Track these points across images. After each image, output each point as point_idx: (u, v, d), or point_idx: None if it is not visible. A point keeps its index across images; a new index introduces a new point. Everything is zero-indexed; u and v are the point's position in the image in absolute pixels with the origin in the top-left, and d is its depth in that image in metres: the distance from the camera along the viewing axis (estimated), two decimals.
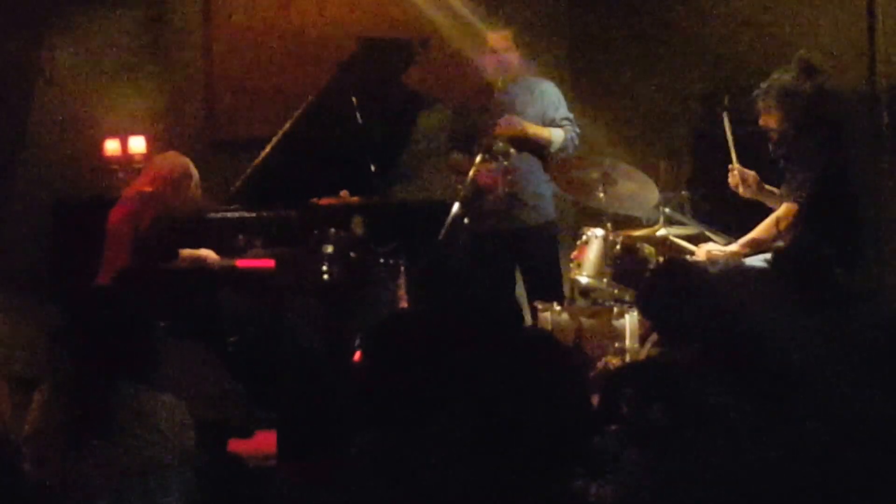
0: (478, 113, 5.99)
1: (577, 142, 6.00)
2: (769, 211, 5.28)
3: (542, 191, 5.99)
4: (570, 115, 6.04)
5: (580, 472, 2.96)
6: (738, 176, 5.32)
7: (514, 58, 5.96)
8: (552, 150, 5.93)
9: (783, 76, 5.11)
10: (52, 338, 5.67)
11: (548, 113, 5.99)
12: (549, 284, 5.88)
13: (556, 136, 5.93)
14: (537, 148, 5.92)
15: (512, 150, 5.76)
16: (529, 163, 5.92)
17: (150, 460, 3.12)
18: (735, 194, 5.42)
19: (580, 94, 6.16)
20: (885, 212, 6.27)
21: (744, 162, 5.37)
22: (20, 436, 3.36)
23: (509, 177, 5.80)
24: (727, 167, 5.38)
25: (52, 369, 4.07)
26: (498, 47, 5.93)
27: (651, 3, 7.09)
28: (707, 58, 6.90)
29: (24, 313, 6.10)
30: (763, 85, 5.15)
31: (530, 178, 5.92)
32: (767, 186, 5.35)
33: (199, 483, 3.24)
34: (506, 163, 5.76)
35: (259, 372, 4.78)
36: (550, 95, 6.05)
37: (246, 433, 4.00)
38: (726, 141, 5.34)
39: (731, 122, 5.35)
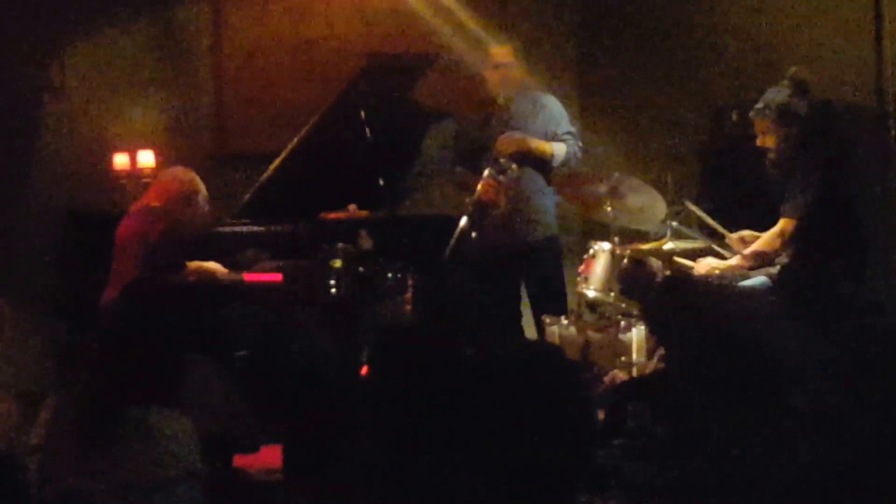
0: (481, 128, 5.99)
1: (579, 156, 5.98)
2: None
3: (545, 206, 5.98)
4: (573, 129, 6.02)
5: (585, 486, 2.96)
6: (738, 240, 5.29)
7: (516, 72, 5.95)
8: (554, 164, 5.92)
9: (777, 95, 5.07)
10: (62, 352, 5.70)
11: (550, 127, 5.97)
12: (554, 298, 5.87)
13: (559, 150, 5.91)
14: (540, 163, 5.91)
15: (514, 166, 5.76)
16: (532, 178, 5.90)
17: (155, 475, 3.12)
18: (743, 208, 5.42)
19: (588, 108, 6.18)
20: (893, 226, 6.25)
21: (749, 179, 5.37)
22: (27, 449, 3.37)
23: (511, 192, 5.79)
24: (734, 183, 5.37)
25: (59, 384, 4.08)
26: (499, 61, 5.92)
27: (660, 16, 7.10)
28: (715, 72, 6.90)
29: (32, 327, 6.12)
30: (758, 105, 5.09)
31: (533, 194, 5.91)
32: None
33: (204, 498, 3.25)
34: (507, 178, 5.76)
35: (266, 386, 4.79)
36: (553, 110, 6.03)
37: (252, 448, 4.01)
38: (705, 184, 5.36)
39: (697, 206, 5.38)
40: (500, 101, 5.91)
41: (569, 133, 5.99)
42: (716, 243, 5.49)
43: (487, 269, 5.70)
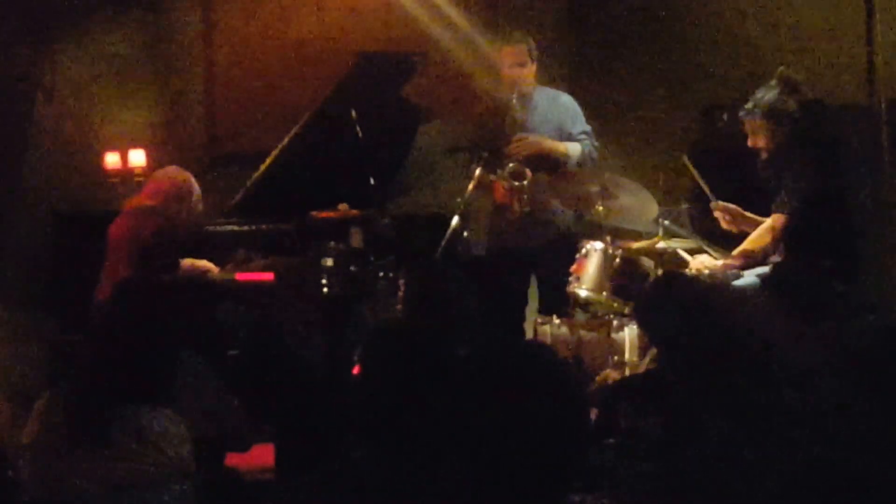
0: (494, 128, 5.90)
1: (595, 155, 5.92)
2: None
3: (558, 206, 5.89)
4: (588, 129, 5.94)
5: (577, 486, 2.95)
6: (722, 210, 5.29)
7: (529, 71, 5.88)
8: (569, 164, 5.85)
9: (766, 95, 5.02)
10: (53, 351, 5.69)
11: (565, 126, 5.91)
12: (563, 298, 5.77)
13: (573, 150, 5.85)
14: (554, 164, 5.84)
15: (527, 170, 5.72)
16: (545, 179, 5.81)
17: (146, 474, 3.12)
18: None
19: (580, 107, 6.16)
20: (886, 225, 6.26)
21: (740, 179, 5.36)
22: (18, 448, 3.36)
23: (524, 195, 5.75)
24: (726, 182, 5.36)
25: (51, 383, 4.06)
26: (513, 61, 5.85)
27: (652, 17, 7.10)
28: (707, 72, 6.92)
29: (23, 327, 6.10)
30: (747, 105, 5.05)
31: (546, 195, 5.80)
32: (749, 214, 5.32)
33: (196, 497, 3.24)
34: (522, 182, 5.71)
35: (257, 385, 4.79)
36: (568, 108, 5.96)
37: (243, 447, 4.00)
38: (697, 183, 5.34)
39: (693, 166, 5.32)
40: (514, 101, 5.82)
41: (584, 133, 5.92)
42: (706, 242, 5.49)
43: (498, 271, 5.67)
